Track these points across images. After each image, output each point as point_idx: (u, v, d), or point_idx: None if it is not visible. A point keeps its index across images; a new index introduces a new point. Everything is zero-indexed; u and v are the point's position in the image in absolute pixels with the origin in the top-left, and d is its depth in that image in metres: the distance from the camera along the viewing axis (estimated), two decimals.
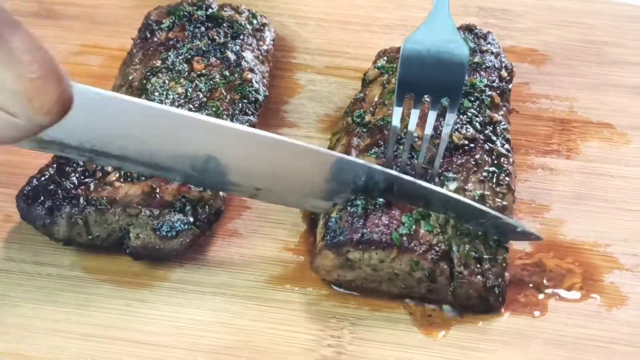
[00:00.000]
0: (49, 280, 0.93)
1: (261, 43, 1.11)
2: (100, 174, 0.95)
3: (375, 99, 1.02)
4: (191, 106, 1.01)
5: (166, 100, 1.01)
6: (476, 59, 1.05)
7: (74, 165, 0.96)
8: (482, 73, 1.04)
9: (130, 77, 1.06)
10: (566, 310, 0.91)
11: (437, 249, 0.88)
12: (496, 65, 1.06)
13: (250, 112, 1.02)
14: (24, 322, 0.89)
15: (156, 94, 1.02)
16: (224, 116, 1.00)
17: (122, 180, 0.94)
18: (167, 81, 1.04)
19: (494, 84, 1.04)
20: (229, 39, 1.09)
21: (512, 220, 0.91)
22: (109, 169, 0.95)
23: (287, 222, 0.98)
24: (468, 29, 1.10)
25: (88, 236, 0.94)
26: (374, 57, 1.11)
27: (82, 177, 0.95)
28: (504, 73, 1.06)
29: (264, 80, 1.08)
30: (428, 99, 0.93)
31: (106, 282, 0.93)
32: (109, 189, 0.94)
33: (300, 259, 0.95)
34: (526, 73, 1.15)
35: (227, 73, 1.05)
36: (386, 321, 0.90)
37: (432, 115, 0.91)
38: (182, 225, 0.92)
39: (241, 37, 1.09)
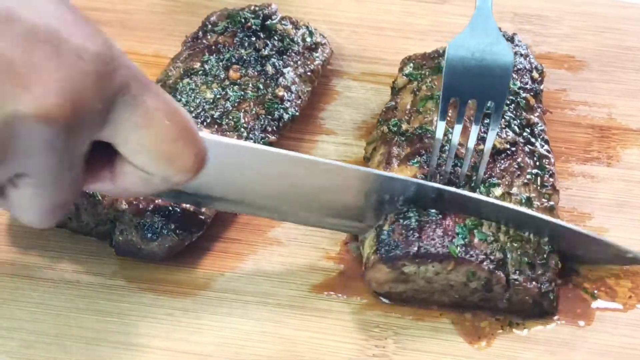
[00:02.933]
0: (90, 289, 0.92)
1: (309, 62, 1.08)
2: None
3: (408, 107, 1.02)
4: (213, 112, 1.00)
5: (192, 104, 1.01)
6: None
7: None
8: (514, 75, 1.04)
9: (170, 74, 1.06)
10: (612, 320, 0.90)
11: (493, 257, 0.87)
12: (527, 67, 1.06)
13: (270, 130, 1.01)
14: (66, 331, 0.89)
15: (184, 95, 1.02)
16: (242, 129, 0.99)
17: None
18: (199, 84, 1.03)
19: (527, 86, 1.04)
20: (275, 52, 1.08)
21: (622, 246, 0.92)
22: None
23: (327, 230, 0.97)
24: None
25: (78, 222, 0.94)
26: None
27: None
28: (535, 74, 1.06)
29: (300, 100, 1.05)
30: (472, 108, 0.92)
31: (148, 291, 0.92)
32: None
33: (341, 268, 0.95)
34: (563, 79, 1.14)
35: (260, 86, 1.04)
36: (430, 330, 0.90)
37: (476, 121, 0.90)
38: (163, 230, 0.92)
39: (288, 52, 1.08)
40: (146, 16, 1.23)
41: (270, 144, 1.00)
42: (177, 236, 0.92)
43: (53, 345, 0.88)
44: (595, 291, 0.92)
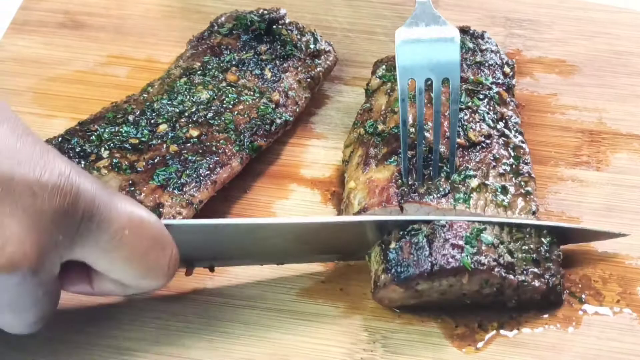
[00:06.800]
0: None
1: (310, 69, 1.09)
2: (94, 157, 0.96)
3: (383, 108, 1.03)
4: (206, 113, 1.01)
5: (187, 103, 1.02)
6: (477, 58, 1.07)
7: (75, 143, 0.97)
8: (486, 71, 1.06)
9: (171, 72, 1.07)
10: (600, 324, 0.90)
11: (502, 261, 0.88)
12: (498, 63, 1.08)
13: (260, 134, 1.01)
14: (55, 336, 0.89)
15: (180, 94, 1.03)
16: (231, 132, 1.00)
17: (110, 167, 0.95)
18: (197, 84, 1.04)
19: (499, 81, 1.05)
20: (275, 57, 1.08)
21: (594, 227, 0.95)
22: (104, 154, 0.96)
23: None
24: (463, 31, 1.11)
25: None
26: None
27: (76, 156, 0.96)
28: (507, 69, 1.07)
29: (297, 106, 1.06)
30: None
31: (137, 295, 0.92)
32: (94, 174, 0.94)
33: (329, 272, 0.95)
34: (554, 84, 1.14)
35: (257, 90, 1.05)
36: (419, 335, 0.90)
37: (436, 97, 0.93)
38: None
39: (289, 58, 1.08)
40: (140, 22, 1.23)
41: (260, 147, 1.01)
42: None
43: (44, 351, 0.88)
44: (583, 295, 0.92)
